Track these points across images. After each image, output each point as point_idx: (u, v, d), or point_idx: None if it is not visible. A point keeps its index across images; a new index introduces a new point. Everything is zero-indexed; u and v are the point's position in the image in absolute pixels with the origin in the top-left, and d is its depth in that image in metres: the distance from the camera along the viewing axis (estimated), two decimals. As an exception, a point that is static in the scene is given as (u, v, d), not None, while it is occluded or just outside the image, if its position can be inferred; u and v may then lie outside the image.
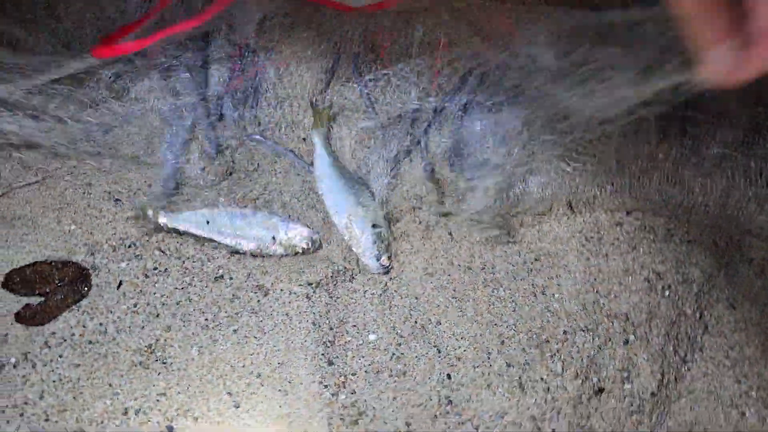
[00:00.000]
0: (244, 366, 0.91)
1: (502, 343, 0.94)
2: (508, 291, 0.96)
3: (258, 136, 1.03)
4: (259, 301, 0.95)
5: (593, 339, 0.93)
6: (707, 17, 0.64)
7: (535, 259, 0.98)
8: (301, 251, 0.98)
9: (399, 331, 0.94)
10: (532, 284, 0.97)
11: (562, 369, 0.92)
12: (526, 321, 0.94)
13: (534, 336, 0.94)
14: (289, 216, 1.00)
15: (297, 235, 0.97)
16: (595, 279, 0.97)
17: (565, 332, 0.94)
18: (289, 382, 0.91)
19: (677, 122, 1.01)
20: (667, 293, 0.96)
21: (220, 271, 0.96)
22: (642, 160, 0.99)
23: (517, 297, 0.96)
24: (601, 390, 0.92)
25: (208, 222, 0.97)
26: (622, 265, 0.97)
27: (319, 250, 0.99)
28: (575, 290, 0.96)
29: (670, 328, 0.95)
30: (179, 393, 0.90)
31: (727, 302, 0.98)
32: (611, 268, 0.97)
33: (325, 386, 0.91)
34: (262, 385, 0.91)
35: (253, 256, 0.98)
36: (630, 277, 0.96)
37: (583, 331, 0.94)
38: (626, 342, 0.94)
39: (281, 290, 0.95)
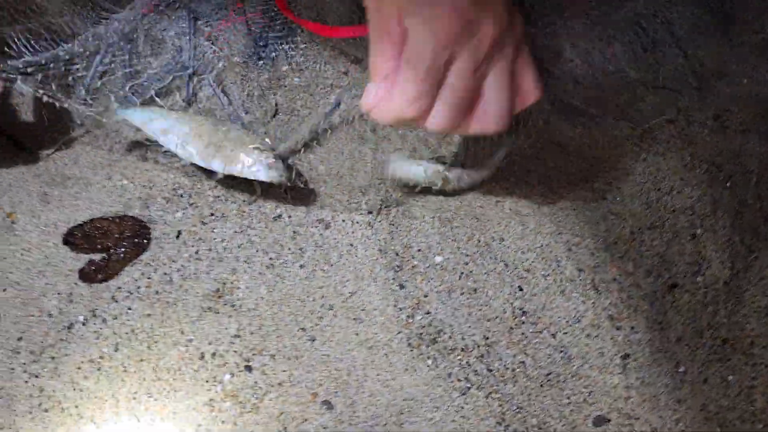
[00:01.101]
0: (314, 300, 0.90)
1: (570, 250, 0.92)
2: (568, 200, 0.94)
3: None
4: (321, 234, 0.93)
5: (661, 236, 0.92)
6: (383, 50, 0.62)
7: (591, 166, 0.96)
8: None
9: (464, 251, 0.92)
10: (592, 190, 0.95)
11: (634, 268, 0.90)
12: (591, 226, 0.93)
13: (600, 239, 0.92)
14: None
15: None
16: (655, 177, 0.95)
17: (632, 232, 0.92)
18: (363, 310, 0.89)
19: (717, 15, 0.99)
20: (728, 184, 0.94)
21: (278, 210, 0.94)
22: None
23: (579, 204, 0.94)
24: (674, 285, 0.90)
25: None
26: (680, 161, 0.95)
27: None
28: (636, 190, 0.94)
29: (735, 218, 0.93)
30: (252, 333, 0.88)
31: (788, 191, 0.97)
32: (669, 164, 0.95)
33: (400, 309, 0.89)
34: (336, 317, 0.89)
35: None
36: (689, 172, 0.95)
37: (650, 229, 0.92)
38: (694, 236, 0.92)
39: (342, 221, 0.93)
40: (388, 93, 0.63)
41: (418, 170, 0.91)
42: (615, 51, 0.99)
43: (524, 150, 0.97)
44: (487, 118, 0.66)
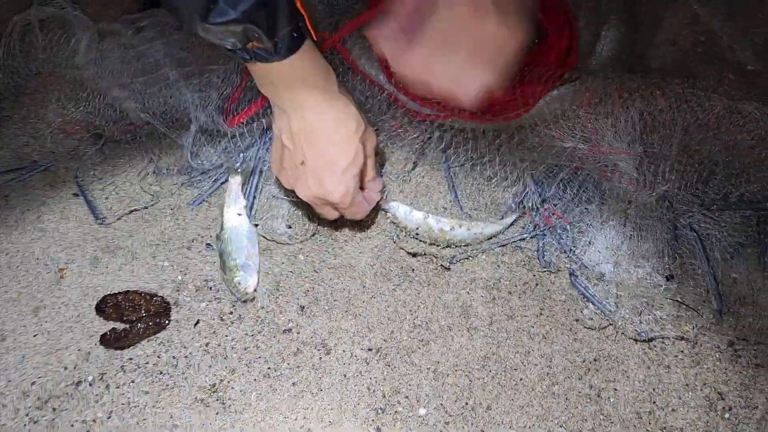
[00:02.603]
0: (296, 419, 0.93)
1: (550, 438, 0.91)
2: (563, 387, 0.94)
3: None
4: (321, 358, 0.97)
5: (645, 450, 0.90)
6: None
7: (595, 359, 0.96)
8: (232, 286, 1.01)
9: (448, 410, 0.93)
10: (589, 384, 0.94)
11: (609, 475, 0.88)
12: (578, 420, 0.91)
13: (583, 437, 0.91)
14: (261, 264, 1.04)
15: (241, 274, 1.01)
16: (653, 389, 0.93)
17: (616, 438, 0.91)
18: (337, 443, 0.92)
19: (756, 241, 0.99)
20: (727, 415, 0.91)
21: (290, 324, 0.99)
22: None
23: (571, 395, 0.93)
24: (646, 505, 0.87)
25: (257, 225, 1.06)
26: (683, 378, 0.93)
27: (245, 301, 1.01)
28: (632, 397, 0.92)
29: (728, 452, 0.90)
30: (232, 435, 0.92)
31: (791, 435, 0.92)
32: (672, 380, 0.93)
33: (370, 452, 0.91)
34: (311, 441, 0.92)
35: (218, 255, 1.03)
36: (690, 393, 0.92)
37: (635, 440, 0.90)
38: (679, 459, 0.89)
39: (343, 351, 0.97)
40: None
41: (417, 216, 1.04)
42: (643, 249, 1.00)
43: (527, 318, 0.98)
44: None
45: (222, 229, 1.03)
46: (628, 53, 1.12)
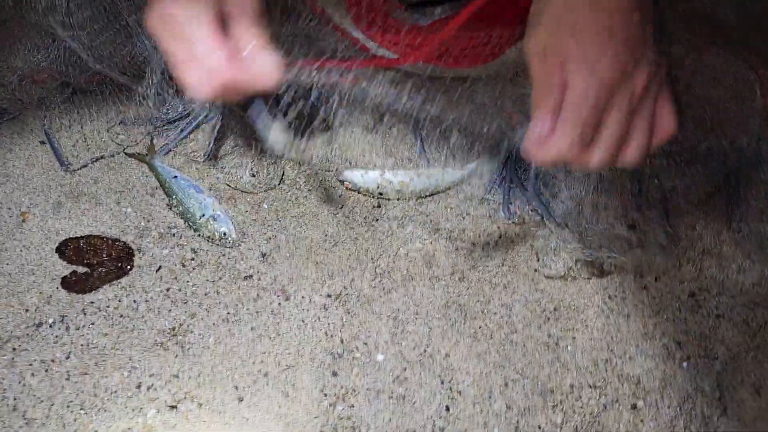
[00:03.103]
0: (254, 363, 0.92)
1: (506, 385, 0.90)
2: (522, 336, 0.93)
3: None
4: (280, 304, 0.96)
5: (599, 397, 0.89)
6: (546, 95, 0.64)
7: (555, 309, 0.95)
8: (215, 240, 1.00)
9: (406, 356, 0.93)
10: (547, 333, 0.93)
11: (563, 421, 0.87)
12: (534, 368, 0.91)
13: (539, 384, 0.90)
14: (227, 212, 1.02)
15: (219, 225, 1.00)
16: (611, 338, 0.92)
17: (571, 385, 0.89)
18: (293, 386, 0.91)
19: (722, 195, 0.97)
20: (684, 365, 0.90)
21: (251, 270, 0.98)
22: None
23: (530, 343, 0.93)
24: (600, 451, 0.87)
25: (176, 177, 1.04)
26: (642, 328, 0.92)
27: (232, 248, 1.01)
28: (589, 345, 0.92)
29: (684, 401, 0.88)
30: (190, 378, 0.92)
31: (752, 387, 0.91)
32: (630, 329, 0.92)
33: (326, 395, 0.90)
34: (267, 384, 0.91)
35: (182, 218, 1.02)
36: (648, 342, 0.91)
37: (591, 387, 0.89)
38: (634, 407, 0.88)
39: (302, 297, 0.96)
40: (550, 135, 0.67)
41: (373, 176, 1.02)
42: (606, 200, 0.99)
43: (489, 269, 0.97)
44: (630, 154, 0.68)
45: (169, 196, 1.04)
46: None
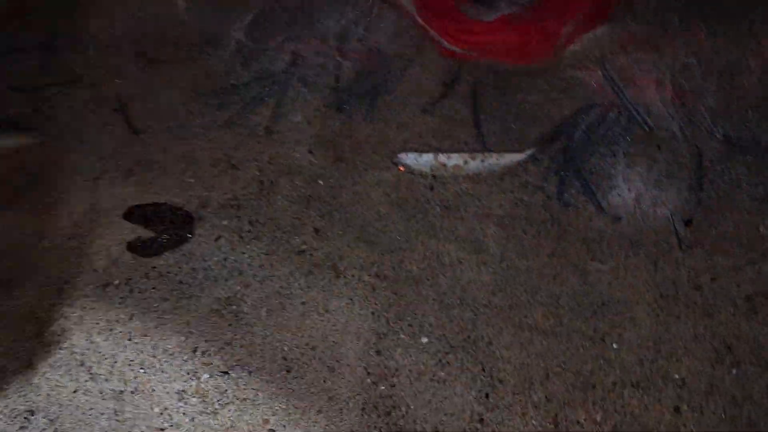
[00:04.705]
0: (302, 336, 0.94)
1: (547, 377, 0.89)
2: (567, 328, 0.91)
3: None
4: (330, 280, 0.97)
5: (643, 397, 0.87)
6: None
7: (603, 303, 0.92)
8: None
9: (450, 341, 0.93)
10: (593, 328, 0.91)
11: (602, 419, 0.86)
12: (577, 362, 0.89)
13: (581, 378, 0.88)
14: None
15: None
16: (659, 337, 0.89)
17: (614, 383, 0.88)
18: (338, 361, 0.93)
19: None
20: (734, 371, 0.87)
21: (304, 246, 1.00)
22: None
23: (575, 336, 0.91)
24: (638, 450, 0.85)
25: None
26: (692, 329, 0.89)
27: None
28: (636, 343, 0.89)
29: (731, 407, 0.86)
30: (242, 346, 0.95)
31: (806, 398, 0.87)
32: (680, 329, 0.89)
33: (369, 373, 0.91)
34: (314, 358, 0.93)
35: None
36: (697, 343, 0.88)
37: (634, 386, 0.87)
38: (677, 409, 0.86)
39: (352, 276, 0.97)
40: None
41: (427, 159, 1.02)
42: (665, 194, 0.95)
43: (539, 258, 0.95)
44: None
45: None
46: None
